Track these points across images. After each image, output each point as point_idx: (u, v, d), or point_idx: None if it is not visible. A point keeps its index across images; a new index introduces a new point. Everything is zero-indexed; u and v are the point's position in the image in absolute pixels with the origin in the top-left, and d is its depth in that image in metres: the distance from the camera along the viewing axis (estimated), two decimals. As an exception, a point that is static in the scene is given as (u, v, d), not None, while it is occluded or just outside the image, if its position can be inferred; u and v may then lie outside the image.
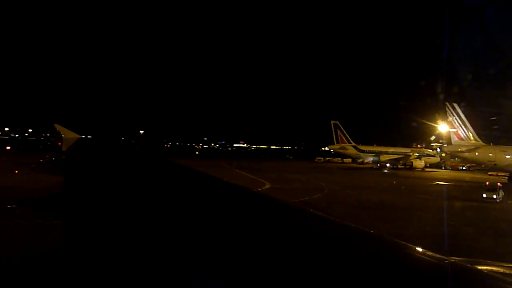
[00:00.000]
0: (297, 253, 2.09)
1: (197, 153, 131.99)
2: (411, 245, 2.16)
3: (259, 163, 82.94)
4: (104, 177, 4.05)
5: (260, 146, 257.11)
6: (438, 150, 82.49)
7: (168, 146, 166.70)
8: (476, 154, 58.58)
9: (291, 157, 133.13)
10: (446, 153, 75.60)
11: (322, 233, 2.40)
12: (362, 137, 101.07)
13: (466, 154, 59.42)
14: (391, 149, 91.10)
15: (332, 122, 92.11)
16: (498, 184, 39.39)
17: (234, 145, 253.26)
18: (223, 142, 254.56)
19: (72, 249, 2.59)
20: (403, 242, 2.20)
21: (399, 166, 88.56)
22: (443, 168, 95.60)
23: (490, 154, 58.27)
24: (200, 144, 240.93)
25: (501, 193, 39.09)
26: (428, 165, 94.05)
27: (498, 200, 37.74)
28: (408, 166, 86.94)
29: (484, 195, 38.33)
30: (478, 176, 72.58)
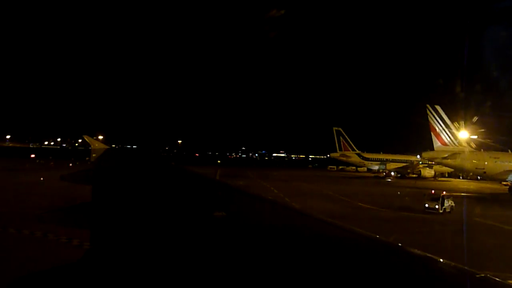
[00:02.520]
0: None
1: (218, 161, 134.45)
2: (443, 260, 2.19)
3: (258, 171, 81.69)
4: (126, 186, 4.35)
5: (299, 156, 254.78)
6: (418, 156, 75.34)
7: (197, 155, 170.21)
8: (460, 160, 52.32)
9: (310, 166, 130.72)
10: (425, 160, 68.78)
11: (344, 241, 2.48)
12: (380, 146, 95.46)
13: (449, 161, 53.28)
14: (398, 157, 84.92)
15: (334, 129, 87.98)
16: (444, 193, 35.05)
17: (274, 154, 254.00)
18: (263, 151, 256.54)
19: (99, 258, 2.60)
20: (433, 256, 2.24)
21: (408, 175, 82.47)
22: (460, 177, 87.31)
23: (478, 161, 51.88)
24: (239, 153, 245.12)
25: (449, 203, 34.85)
26: (446, 175, 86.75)
27: (441, 211, 33.61)
28: (416, 175, 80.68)
29: (426, 205, 34.46)
30: (489, 186, 65.74)
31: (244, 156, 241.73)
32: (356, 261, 2.16)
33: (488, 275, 2.03)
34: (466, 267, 2.07)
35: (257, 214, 3.07)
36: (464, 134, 61.83)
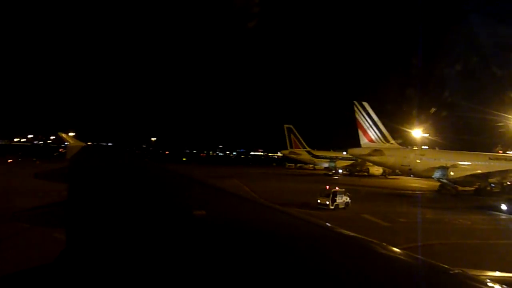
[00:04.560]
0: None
1: (184, 159, 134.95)
2: (418, 256, 2.23)
3: (211, 169, 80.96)
4: (103, 185, 4.30)
5: (276, 154, 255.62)
6: (344, 153, 75.25)
7: (167, 153, 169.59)
8: (385, 157, 51.97)
9: (274, 164, 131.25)
10: (347, 156, 68.58)
11: (323, 238, 2.57)
12: (331, 143, 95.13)
13: (374, 158, 52.93)
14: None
15: (285, 126, 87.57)
16: (336, 189, 34.59)
17: (251, 153, 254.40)
18: (241, 150, 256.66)
19: (75, 259, 2.50)
20: (408, 253, 2.28)
21: (359, 173, 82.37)
22: (412, 176, 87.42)
23: (403, 158, 51.60)
24: (217, 152, 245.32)
25: (343, 199, 34.41)
26: (399, 172, 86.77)
27: (332, 207, 33.14)
28: (366, 173, 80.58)
29: (319, 201, 33.97)
30: (433, 183, 65.67)
31: (221, 154, 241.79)
32: (335, 258, 2.16)
33: (462, 270, 2.04)
34: (440, 264, 2.06)
35: (238, 212, 3.06)
36: (417, 133, 61.89)
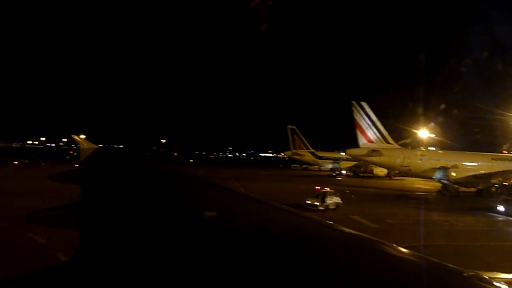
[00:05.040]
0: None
1: (191, 161, 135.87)
2: (430, 258, 2.22)
3: (215, 169, 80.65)
4: (116, 186, 4.37)
5: (284, 156, 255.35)
6: (342, 154, 73.92)
7: (175, 154, 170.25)
8: (384, 158, 50.99)
9: (280, 165, 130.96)
10: (350, 157, 67.42)
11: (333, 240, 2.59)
12: (336, 144, 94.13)
13: (372, 158, 52.03)
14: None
15: (288, 127, 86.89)
16: (326, 189, 34.04)
17: (261, 154, 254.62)
18: (251, 151, 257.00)
19: (88, 260, 2.54)
20: (420, 254, 2.28)
21: (363, 174, 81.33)
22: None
23: (403, 158, 50.57)
24: (226, 153, 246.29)
25: (333, 200, 33.83)
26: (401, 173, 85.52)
27: (321, 208, 32.62)
28: (370, 174, 79.45)
29: (308, 202, 33.47)
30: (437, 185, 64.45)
31: (231, 156, 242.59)
32: (347, 260, 2.17)
33: (476, 273, 2.02)
34: (453, 266, 2.05)
35: (248, 213, 3.09)
36: (422, 133, 60.89)
